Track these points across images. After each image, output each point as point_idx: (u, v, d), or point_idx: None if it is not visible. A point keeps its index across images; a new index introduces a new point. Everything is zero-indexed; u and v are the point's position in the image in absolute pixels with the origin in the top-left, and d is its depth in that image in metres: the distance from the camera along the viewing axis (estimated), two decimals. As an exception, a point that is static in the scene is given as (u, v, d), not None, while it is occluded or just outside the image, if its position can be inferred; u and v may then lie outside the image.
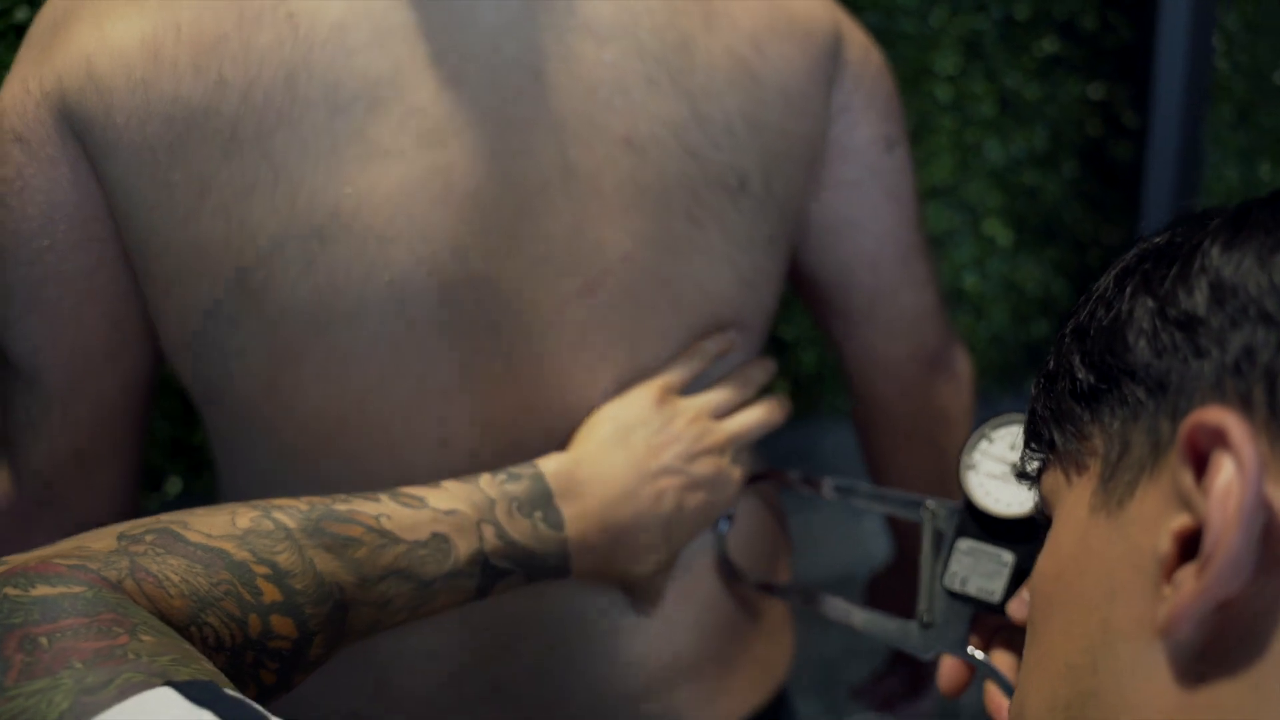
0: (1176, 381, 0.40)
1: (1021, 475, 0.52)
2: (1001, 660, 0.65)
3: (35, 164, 0.68)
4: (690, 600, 0.84)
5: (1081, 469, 0.45)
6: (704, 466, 0.76)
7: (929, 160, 1.43)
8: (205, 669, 0.45)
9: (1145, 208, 1.45)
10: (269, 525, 0.58)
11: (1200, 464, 0.37)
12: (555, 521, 0.69)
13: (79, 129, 0.67)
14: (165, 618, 0.50)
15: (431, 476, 0.71)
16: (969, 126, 1.44)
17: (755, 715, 0.90)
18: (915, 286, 0.89)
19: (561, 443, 0.76)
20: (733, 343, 0.80)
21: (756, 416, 0.81)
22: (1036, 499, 0.51)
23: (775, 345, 1.43)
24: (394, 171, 0.67)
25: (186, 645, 0.47)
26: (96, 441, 0.76)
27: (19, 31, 1.07)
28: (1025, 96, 1.45)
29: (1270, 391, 0.37)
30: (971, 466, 0.66)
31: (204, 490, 1.22)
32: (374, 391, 0.71)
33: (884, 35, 1.36)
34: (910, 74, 1.39)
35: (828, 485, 0.78)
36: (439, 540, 0.64)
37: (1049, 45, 1.45)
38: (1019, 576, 0.65)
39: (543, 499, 0.70)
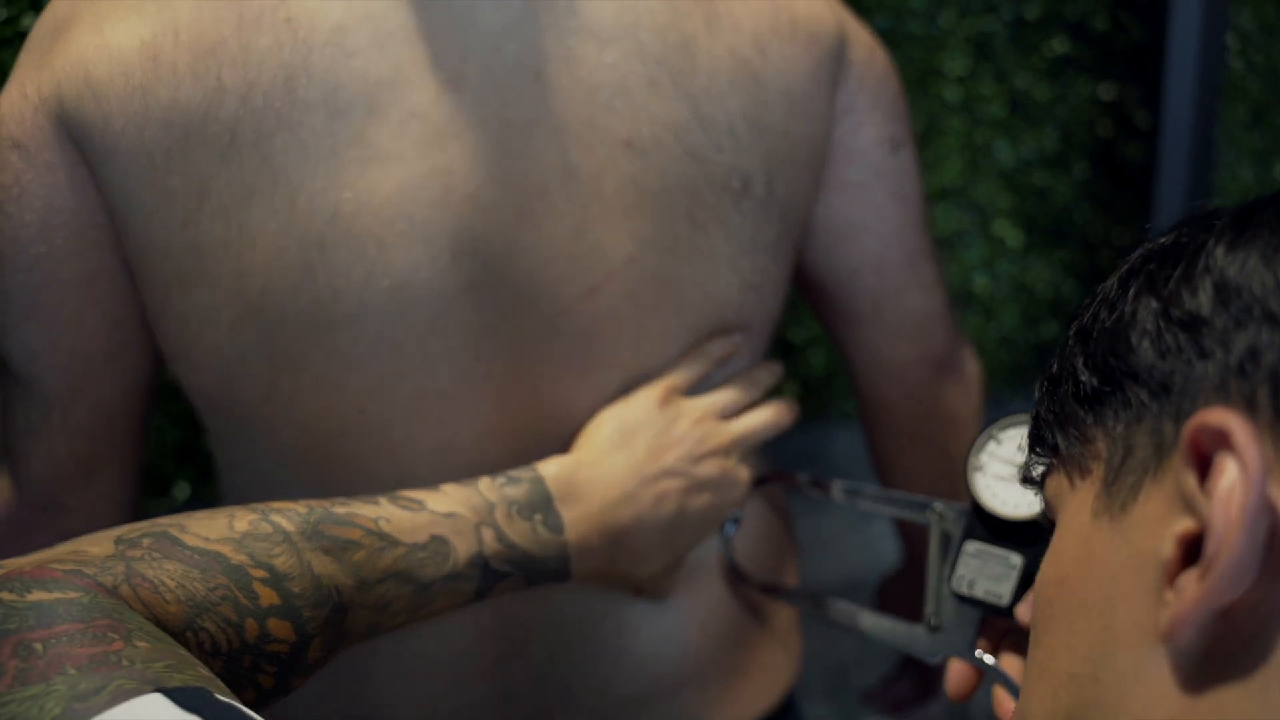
0: (1180, 383, 0.40)
1: (1025, 480, 0.51)
2: (1010, 664, 0.64)
3: (33, 170, 0.68)
4: (697, 604, 0.83)
5: (1085, 473, 0.45)
6: (709, 468, 0.75)
7: (938, 162, 1.42)
8: (200, 675, 0.45)
9: (1157, 209, 1.44)
10: (267, 528, 0.58)
11: (1204, 466, 0.37)
12: (555, 525, 0.69)
13: (77, 135, 0.67)
14: (161, 623, 0.50)
15: (433, 481, 0.70)
16: (978, 128, 1.43)
17: (765, 718, 0.90)
18: (922, 289, 0.89)
19: (564, 446, 0.76)
20: (737, 346, 0.79)
21: (764, 418, 0.80)
22: (1041, 503, 0.50)
23: (784, 348, 1.43)
24: (394, 175, 0.67)
25: (182, 651, 0.47)
26: (97, 447, 0.76)
27: (24, 38, 1.07)
28: (1035, 97, 1.45)
29: (1275, 393, 0.37)
30: (979, 468, 0.66)
31: (212, 496, 1.22)
32: (374, 396, 0.71)
33: (892, 37, 1.36)
34: (919, 75, 1.39)
35: (837, 488, 0.77)
36: (438, 543, 0.64)
37: (1059, 46, 1.44)
38: (1027, 579, 0.64)
39: (542, 502, 0.69)
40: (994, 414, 0.70)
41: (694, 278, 0.75)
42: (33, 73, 0.68)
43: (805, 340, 1.42)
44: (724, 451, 0.77)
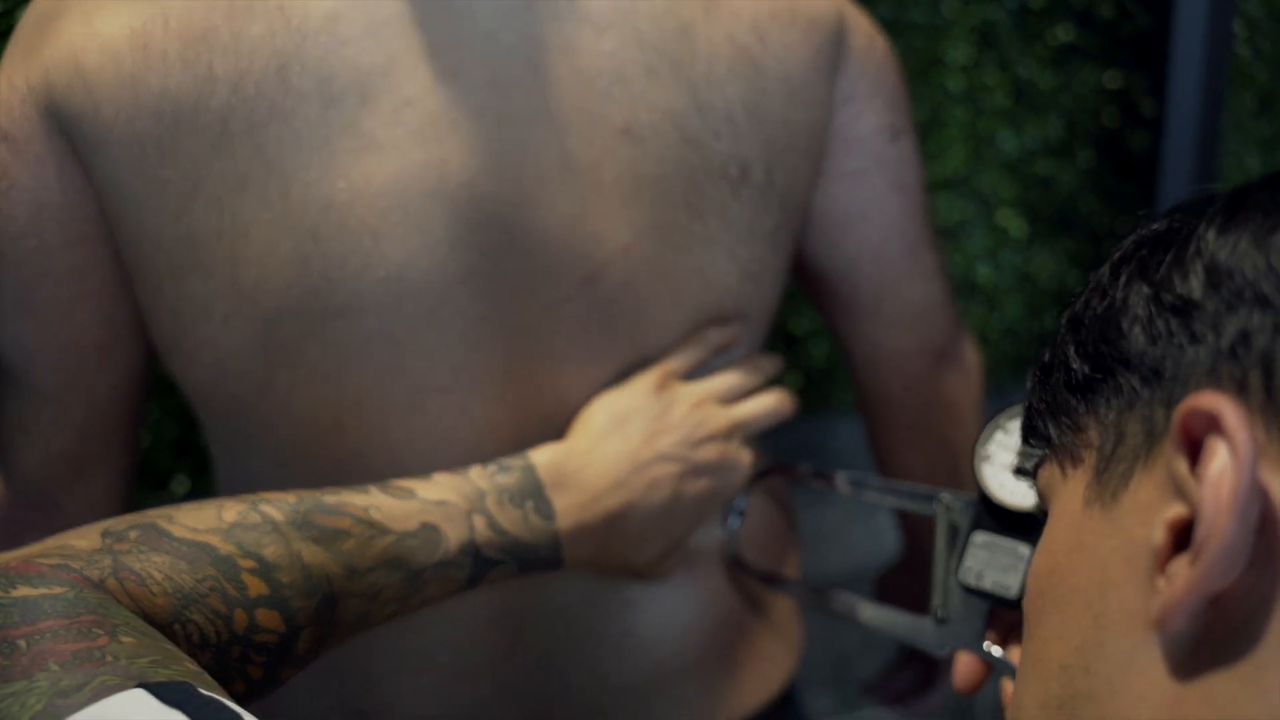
0: (1171, 369, 0.40)
1: (1019, 471, 0.51)
2: (1018, 656, 0.64)
3: (21, 162, 0.67)
4: (697, 589, 0.83)
5: (1077, 462, 0.45)
6: (707, 452, 0.75)
7: (942, 151, 1.41)
8: (186, 670, 0.45)
9: (1162, 198, 1.43)
10: (256, 518, 0.58)
11: (1194, 451, 0.37)
12: (546, 512, 0.69)
13: (67, 125, 0.66)
14: (148, 616, 0.50)
15: (429, 474, 0.70)
16: (982, 117, 1.42)
17: (763, 711, 0.90)
18: (922, 279, 0.88)
19: (562, 437, 0.75)
20: (736, 334, 0.79)
21: (765, 404, 0.80)
22: (1035, 494, 0.50)
23: (785, 339, 1.42)
24: (388, 164, 0.66)
25: (168, 646, 0.47)
26: (89, 443, 0.75)
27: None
28: (1040, 86, 1.44)
29: (1267, 376, 0.36)
30: (986, 458, 0.65)
31: (210, 490, 1.22)
32: (370, 389, 0.70)
33: (895, 26, 1.35)
34: (922, 64, 1.38)
35: (841, 479, 0.76)
36: (429, 530, 0.64)
37: (1064, 34, 1.43)
38: None
39: (533, 490, 0.69)
40: (997, 405, 0.69)
41: (692, 266, 0.74)
42: (21, 64, 0.67)
43: (807, 332, 1.42)
44: (723, 436, 0.76)
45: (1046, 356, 0.48)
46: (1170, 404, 0.39)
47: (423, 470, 0.71)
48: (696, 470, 0.74)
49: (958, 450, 0.97)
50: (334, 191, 0.66)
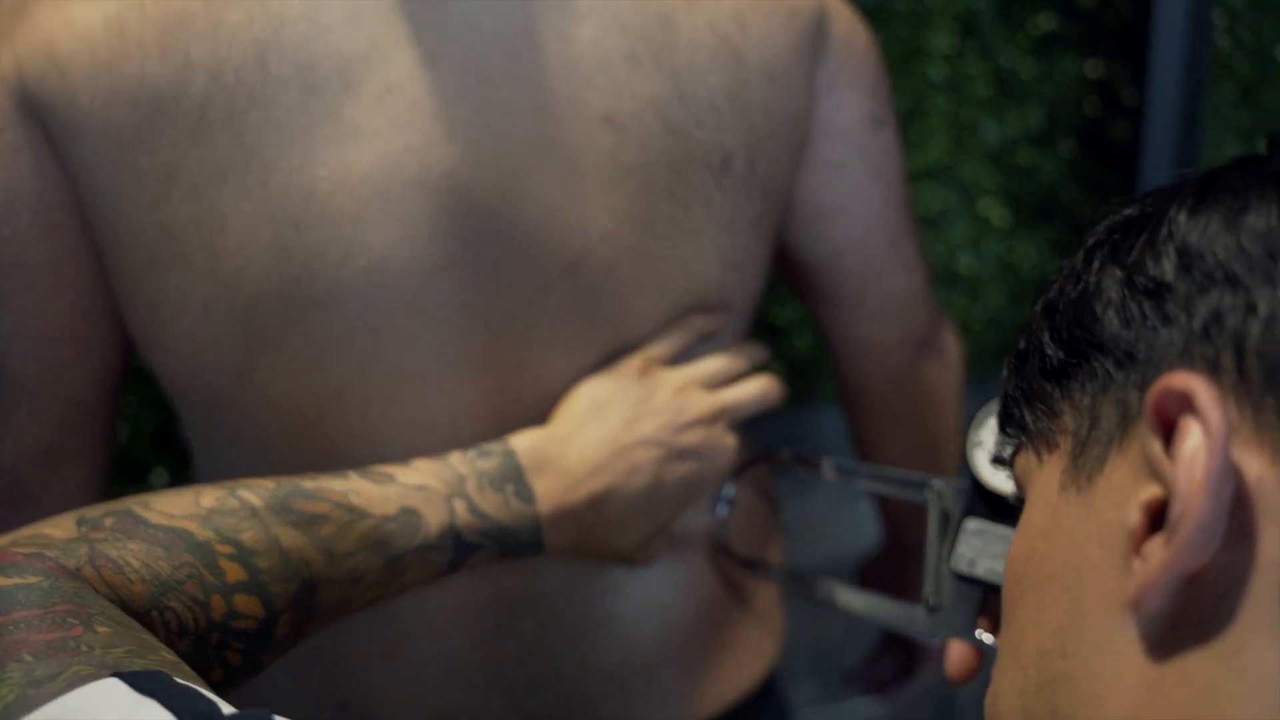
0: (1145, 351, 0.40)
1: (997, 460, 0.51)
2: None
3: None
4: (682, 572, 0.83)
5: (1052, 447, 0.45)
6: (690, 437, 0.75)
7: (924, 140, 1.41)
8: (162, 659, 0.45)
9: (1142, 187, 1.43)
10: (234, 504, 0.57)
11: (1168, 432, 0.37)
12: (527, 496, 0.69)
13: (41, 114, 0.65)
14: (126, 604, 0.50)
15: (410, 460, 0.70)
16: (964, 106, 1.42)
17: (745, 699, 0.90)
18: (904, 270, 0.88)
19: (543, 423, 0.75)
20: (720, 323, 0.78)
21: (751, 389, 0.79)
22: (1001, 481, 0.50)
23: (768, 330, 1.42)
24: (370, 152, 0.66)
25: (145, 635, 0.47)
26: (66, 436, 0.75)
27: None
28: (1021, 75, 1.44)
29: (1238, 355, 0.37)
30: (978, 444, 0.65)
31: (190, 482, 1.21)
32: (351, 378, 0.70)
33: (878, 14, 1.35)
34: (904, 53, 1.38)
35: (828, 466, 0.76)
36: (408, 514, 0.64)
37: (1046, 22, 1.43)
38: None
39: (514, 474, 0.69)
40: (979, 394, 0.69)
41: (675, 255, 0.74)
42: None
43: (790, 322, 1.41)
44: (707, 420, 0.76)
45: (1022, 344, 0.48)
46: (1144, 386, 0.39)
47: (403, 457, 0.71)
48: (679, 455, 0.74)
49: (939, 440, 0.97)
50: (315, 180, 0.65)
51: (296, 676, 0.79)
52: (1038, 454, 0.46)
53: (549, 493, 0.70)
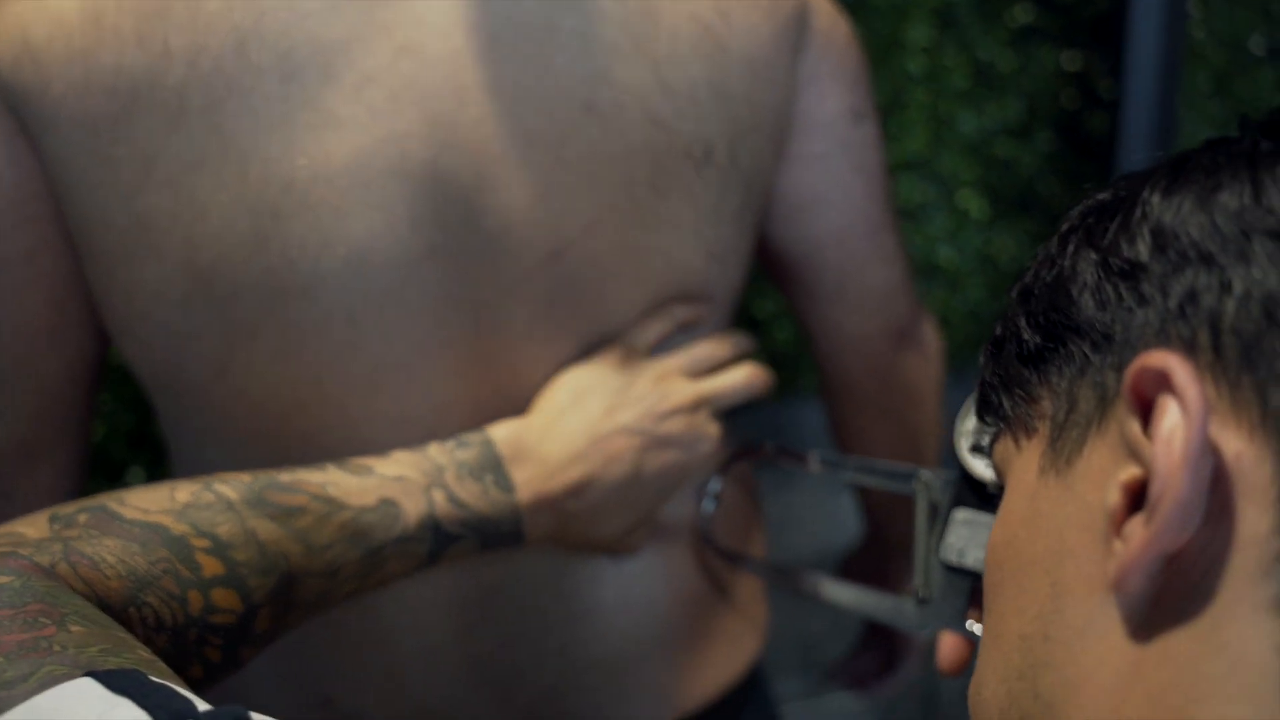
0: (1121, 333, 0.40)
1: (975, 449, 0.51)
2: None
3: None
4: (664, 571, 0.83)
5: (1030, 433, 0.45)
6: (671, 426, 0.74)
7: (902, 133, 1.41)
8: (138, 658, 0.44)
9: (1120, 178, 1.43)
10: (209, 498, 0.57)
11: (1146, 412, 0.37)
12: (506, 485, 0.69)
13: (15, 103, 0.64)
14: (103, 601, 0.49)
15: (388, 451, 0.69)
16: (942, 98, 1.43)
17: (729, 692, 0.89)
18: (884, 262, 0.88)
19: (523, 414, 0.74)
20: (701, 313, 0.78)
21: (735, 378, 0.79)
22: (985, 465, 0.50)
23: (749, 323, 1.41)
24: (349, 141, 0.65)
25: (120, 633, 0.46)
26: (40, 431, 0.73)
27: None
28: (999, 67, 1.44)
29: (1214, 334, 0.37)
30: (966, 433, 0.64)
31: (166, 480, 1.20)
32: (331, 370, 0.69)
33: (856, 8, 1.35)
34: (882, 46, 1.38)
35: (814, 459, 0.76)
36: (387, 505, 0.63)
37: (1023, 15, 1.43)
38: None
39: (492, 464, 0.69)
40: (960, 387, 0.69)
41: (657, 246, 0.74)
42: None
43: (770, 315, 1.41)
44: (688, 409, 0.75)
45: (998, 330, 0.48)
46: (1121, 368, 0.39)
47: (383, 449, 0.70)
48: (660, 443, 0.74)
49: (920, 432, 0.97)
50: (294, 169, 0.65)
51: (278, 672, 0.78)
52: (1016, 440, 0.46)
53: (528, 482, 0.69)
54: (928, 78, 1.41)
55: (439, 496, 0.66)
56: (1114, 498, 0.37)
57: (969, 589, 0.64)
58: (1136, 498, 0.37)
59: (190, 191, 0.65)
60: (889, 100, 1.40)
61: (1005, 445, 0.47)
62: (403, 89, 0.66)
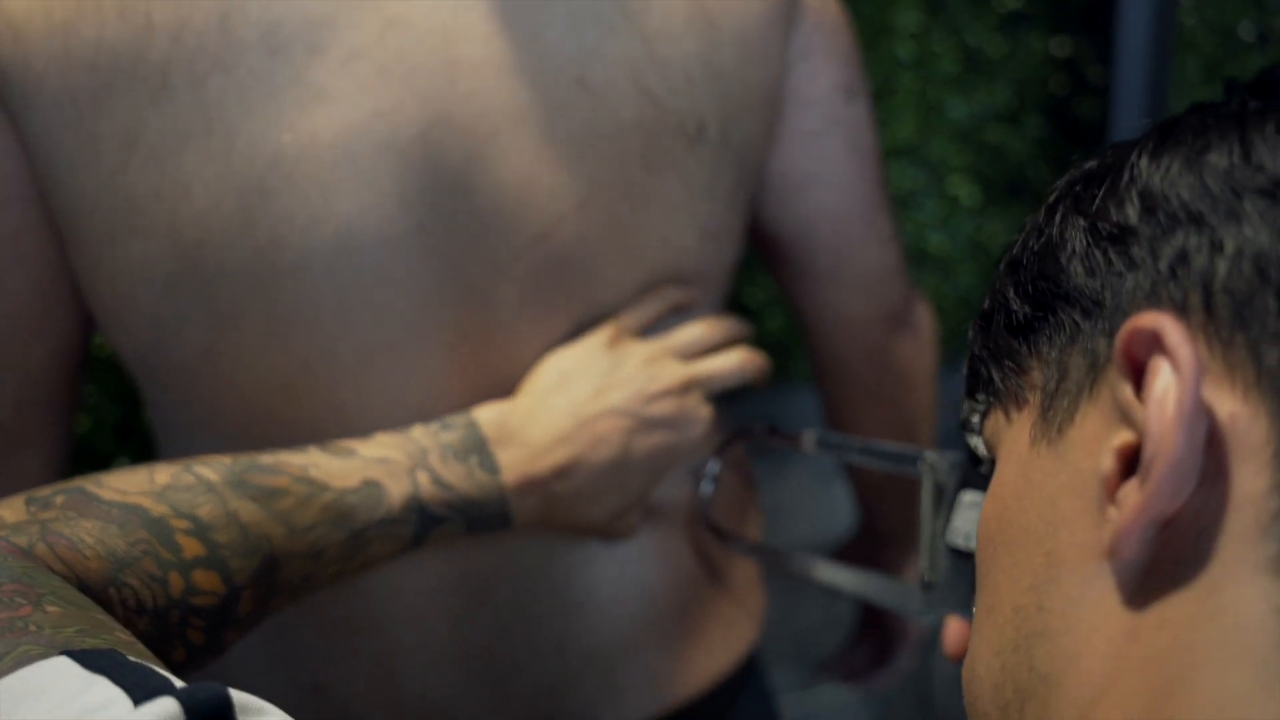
0: (1111, 299, 0.39)
1: (964, 426, 0.50)
2: None
3: None
4: (659, 555, 0.82)
5: (1021, 404, 0.44)
6: (661, 407, 0.73)
7: (891, 119, 1.41)
8: (116, 639, 0.43)
9: (1111, 163, 1.43)
10: (190, 479, 0.56)
11: (1138, 375, 0.36)
12: (490, 467, 0.68)
13: None
14: (82, 581, 0.48)
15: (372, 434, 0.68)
16: (931, 84, 1.42)
17: (725, 680, 0.89)
18: (878, 243, 0.87)
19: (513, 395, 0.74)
20: (694, 295, 0.77)
21: (727, 360, 0.78)
22: (980, 448, 0.49)
23: (740, 311, 1.41)
24: (337, 116, 0.64)
25: (99, 615, 0.45)
26: (24, 418, 0.72)
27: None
28: (989, 53, 1.43)
29: (1206, 294, 0.36)
30: None
31: (154, 471, 1.19)
32: (320, 351, 0.68)
33: (845, -7, 1.34)
34: (871, 32, 1.37)
35: (809, 439, 0.74)
36: (370, 486, 0.63)
37: (1012, 0, 1.43)
38: None
39: (477, 445, 0.68)
40: (953, 374, 0.68)
41: (649, 224, 0.73)
42: None
43: (762, 303, 1.40)
44: (679, 391, 0.74)
45: (986, 303, 0.48)
46: (1112, 333, 0.39)
47: (373, 433, 0.70)
48: (648, 425, 0.73)
49: (914, 417, 0.96)
50: (280, 145, 0.64)
51: (267, 659, 0.77)
52: (1006, 413, 0.45)
53: (513, 463, 0.69)
54: (916, 64, 1.41)
55: (423, 478, 0.65)
56: (1107, 463, 0.37)
57: (975, 573, 0.63)
58: (1130, 463, 0.36)
59: (174, 169, 0.64)
60: (878, 86, 1.39)
61: (996, 419, 0.46)
62: (391, 63, 0.65)
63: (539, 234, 0.69)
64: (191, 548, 0.54)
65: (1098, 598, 0.37)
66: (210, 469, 0.58)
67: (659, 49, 0.70)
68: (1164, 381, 0.35)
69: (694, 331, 0.77)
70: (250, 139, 0.63)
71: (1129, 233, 0.39)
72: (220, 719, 0.38)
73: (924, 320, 0.95)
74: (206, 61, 0.63)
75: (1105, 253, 0.40)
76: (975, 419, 0.49)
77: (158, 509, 0.54)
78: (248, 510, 0.57)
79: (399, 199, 0.66)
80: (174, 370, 0.70)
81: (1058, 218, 0.44)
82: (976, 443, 0.62)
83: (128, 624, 0.50)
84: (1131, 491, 0.36)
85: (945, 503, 0.64)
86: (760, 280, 1.39)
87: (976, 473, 0.63)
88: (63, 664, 0.40)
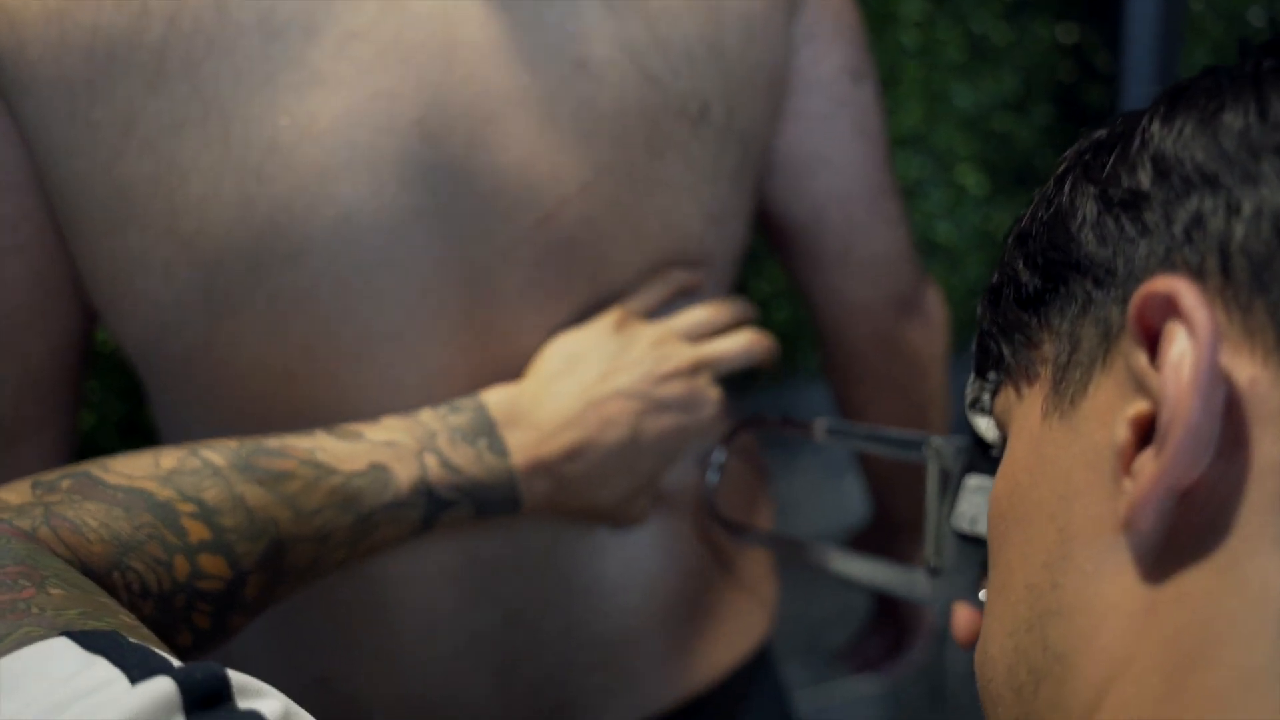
0: (1124, 266, 0.38)
1: (974, 405, 0.50)
2: None
3: None
4: (668, 543, 0.81)
5: (1032, 378, 0.43)
6: (670, 389, 0.73)
7: (897, 108, 1.40)
8: (119, 622, 0.43)
9: (1120, 150, 1.41)
10: (195, 463, 0.56)
11: (1153, 342, 0.35)
12: (500, 449, 0.67)
13: None
14: (85, 565, 0.48)
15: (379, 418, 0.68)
16: (937, 72, 1.41)
17: (737, 672, 0.88)
18: (887, 226, 0.87)
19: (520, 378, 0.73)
20: (700, 278, 0.76)
21: (736, 342, 0.77)
22: (991, 425, 0.48)
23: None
24: (335, 99, 0.64)
25: (102, 598, 0.45)
26: (25, 410, 0.72)
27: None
28: (994, 40, 1.42)
29: (1223, 257, 0.35)
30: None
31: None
32: (321, 337, 0.68)
33: (849, -19, 1.33)
34: (877, 20, 1.36)
35: (820, 427, 0.74)
36: (377, 470, 0.62)
37: (1017, -13, 1.42)
38: None
39: (486, 428, 0.67)
40: (962, 364, 0.67)
41: (653, 207, 0.72)
42: None
43: (768, 295, 1.40)
44: (687, 372, 0.74)
45: (995, 278, 0.47)
46: (1125, 301, 0.38)
47: (375, 419, 0.69)
48: (658, 407, 0.72)
49: (925, 403, 0.95)
50: (278, 129, 0.63)
51: (272, 651, 0.77)
52: (1017, 388, 0.44)
53: (522, 446, 0.68)
54: (922, 52, 1.40)
55: (431, 461, 0.64)
56: (1122, 434, 0.36)
57: (983, 558, 0.62)
58: (1145, 433, 0.35)
59: (171, 155, 0.63)
60: (883, 75, 1.38)
61: (1006, 396, 0.46)
62: (389, 45, 0.64)
63: (541, 217, 0.69)
64: (197, 531, 0.54)
65: (1114, 573, 0.36)
66: (216, 453, 0.57)
67: (661, 29, 0.70)
68: (1179, 347, 0.34)
69: (701, 314, 0.77)
70: (247, 124, 0.63)
71: (1141, 198, 0.38)
72: (217, 699, 0.38)
73: (934, 306, 0.95)
74: (203, 46, 0.62)
75: (1117, 219, 0.39)
76: (985, 397, 0.48)
77: (163, 493, 0.54)
78: (254, 494, 0.57)
79: (398, 182, 0.65)
80: (175, 358, 0.70)
81: (1067, 187, 0.43)
82: (985, 423, 0.61)
83: (132, 608, 0.50)
84: (1147, 462, 0.35)
85: (950, 487, 0.63)
86: (767, 272, 1.38)
87: (982, 457, 0.62)
88: (62, 645, 0.40)
